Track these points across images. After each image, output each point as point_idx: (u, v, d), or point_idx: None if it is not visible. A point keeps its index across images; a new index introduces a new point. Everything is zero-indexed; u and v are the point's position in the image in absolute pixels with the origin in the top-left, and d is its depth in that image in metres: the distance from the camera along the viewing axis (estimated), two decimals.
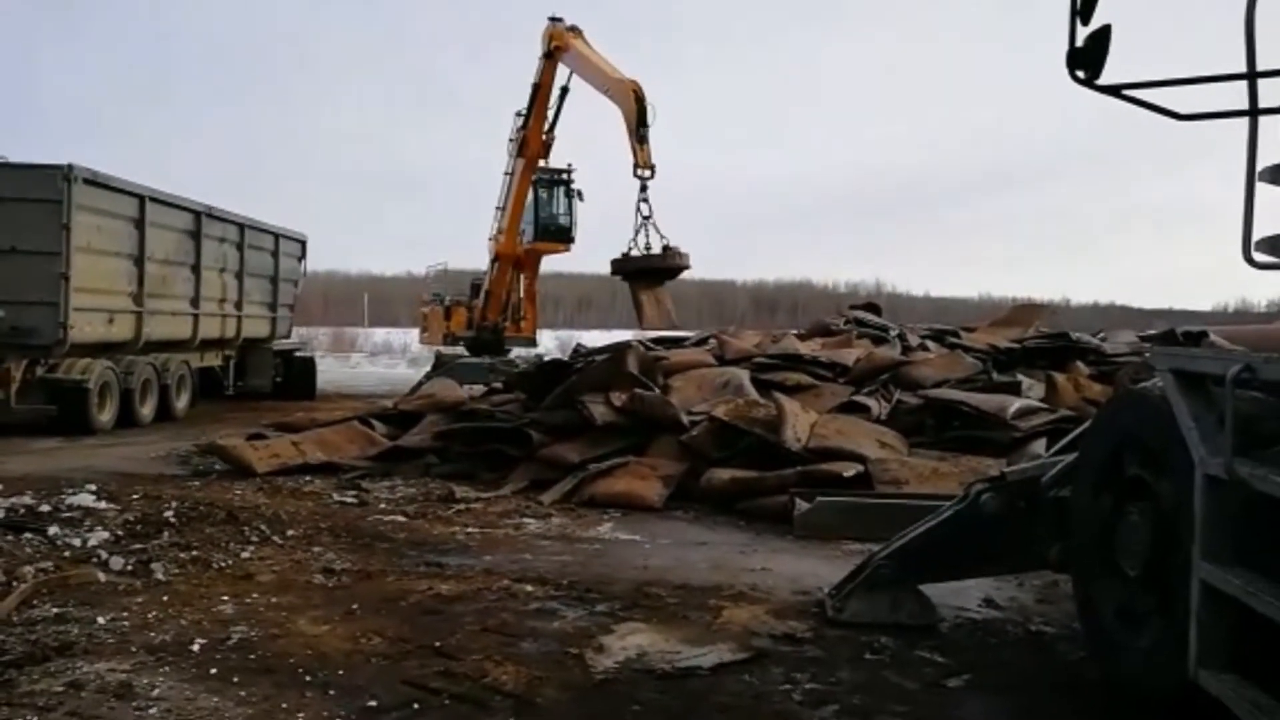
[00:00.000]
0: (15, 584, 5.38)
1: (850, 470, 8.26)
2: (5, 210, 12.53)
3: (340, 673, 4.30)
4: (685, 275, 17.53)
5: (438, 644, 4.71)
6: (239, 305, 17.60)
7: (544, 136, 20.97)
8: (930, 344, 12.41)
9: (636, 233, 16.49)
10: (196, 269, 15.91)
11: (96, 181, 13.12)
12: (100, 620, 4.91)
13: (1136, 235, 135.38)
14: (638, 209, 16.45)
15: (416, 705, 3.95)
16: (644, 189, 16.29)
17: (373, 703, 3.97)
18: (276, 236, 19.29)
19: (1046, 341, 12.15)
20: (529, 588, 5.77)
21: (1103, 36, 3.87)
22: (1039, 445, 8.93)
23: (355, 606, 5.30)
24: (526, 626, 5.04)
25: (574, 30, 19.83)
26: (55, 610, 5.04)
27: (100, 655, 4.42)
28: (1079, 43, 3.81)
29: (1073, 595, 5.83)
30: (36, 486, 8.51)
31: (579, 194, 21.53)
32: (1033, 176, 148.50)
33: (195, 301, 15.93)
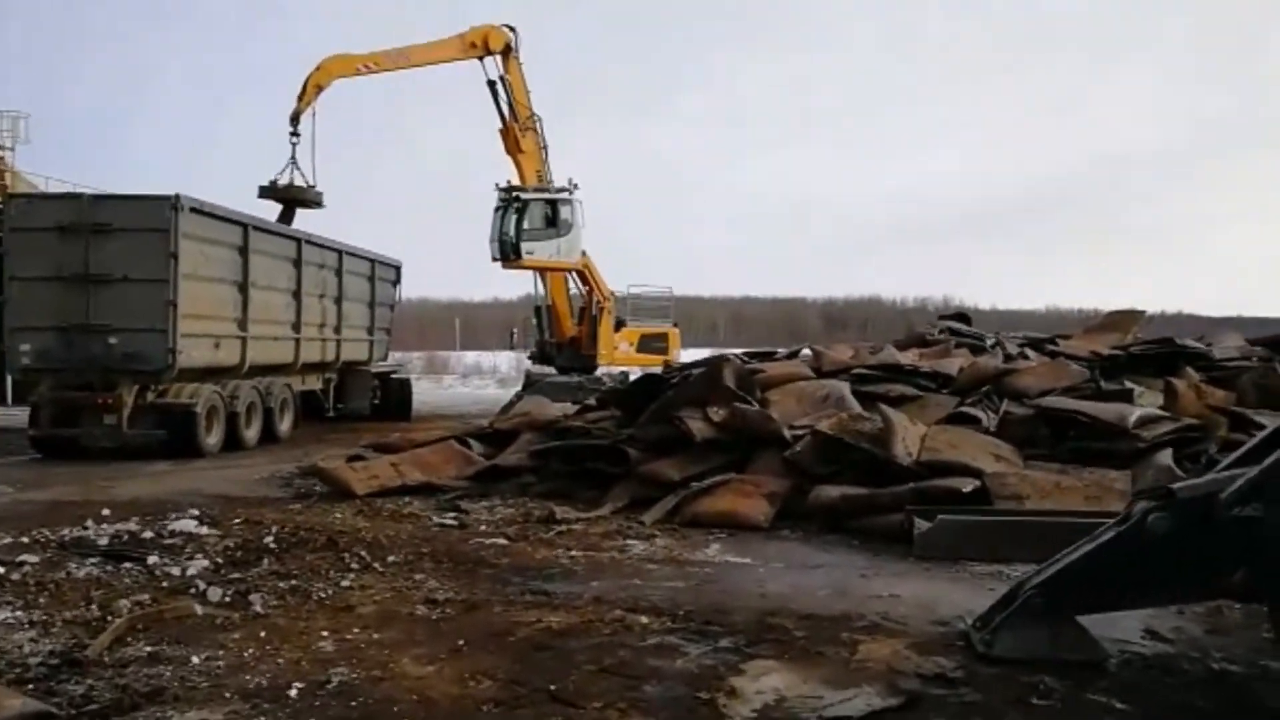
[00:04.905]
0: (110, 619, 4.88)
1: (969, 485, 7.45)
2: (116, 240, 12.35)
3: None
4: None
5: (553, 687, 4.07)
6: (338, 329, 17.34)
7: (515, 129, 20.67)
8: (1029, 352, 11.50)
9: (285, 169, 17.93)
10: (297, 294, 15.66)
11: (202, 210, 12.90)
12: (194, 660, 4.36)
13: (1188, 243, 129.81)
14: (292, 153, 17.85)
15: None
16: (295, 134, 17.78)
17: None
18: (373, 262, 19.06)
19: (1154, 347, 11.16)
20: (644, 619, 5.10)
21: None
22: (1165, 456, 8.04)
23: (461, 642, 4.68)
24: (647, 665, 4.37)
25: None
26: (149, 649, 4.51)
27: (192, 702, 3.86)
28: None
29: (1248, 625, 5.05)
30: (143, 511, 8.13)
31: (519, 207, 20.69)
32: (1086, 191, 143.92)
33: (297, 326, 15.67)
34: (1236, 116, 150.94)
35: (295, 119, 17.81)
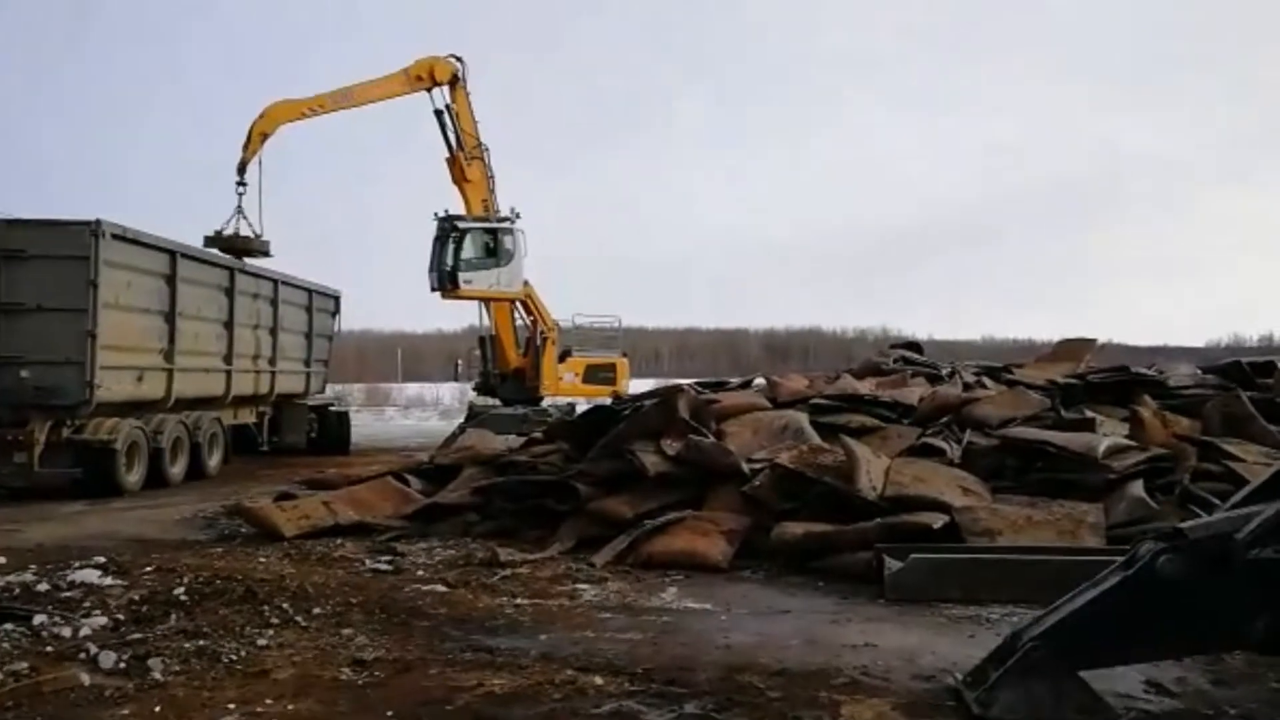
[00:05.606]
0: None
1: (938, 521, 6.97)
2: (32, 267, 11.50)
3: None
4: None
5: None
6: (273, 361, 16.50)
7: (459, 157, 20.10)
8: (986, 380, 11.13)
9: (231, 218, 17.10)
10: (230, 325, 14.83)
11: (125, 237, 12.08)
12: None
13: (1119, 277, 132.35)
14: (238, 203, 17.07)
15: None
16: (241, 184, 17.02)
17: None
18: (310, 292, 18.29)
19: (1110, 376, 10.84)
20: (598, 679, 4.50)
21: None
22: (1136, 487, 7.65)
23: (390, 715, 4.04)
24: None
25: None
26: None
27: None
28: None
29: (1253, 675, 4.60)
30: (44, 559, 7.34)
31: (457, 236, 19.93)
32: (1016, 225, 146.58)
33: (228, 358, 14.83)
34: (1153, 150, 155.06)
35: (242, 168, 16.95)
